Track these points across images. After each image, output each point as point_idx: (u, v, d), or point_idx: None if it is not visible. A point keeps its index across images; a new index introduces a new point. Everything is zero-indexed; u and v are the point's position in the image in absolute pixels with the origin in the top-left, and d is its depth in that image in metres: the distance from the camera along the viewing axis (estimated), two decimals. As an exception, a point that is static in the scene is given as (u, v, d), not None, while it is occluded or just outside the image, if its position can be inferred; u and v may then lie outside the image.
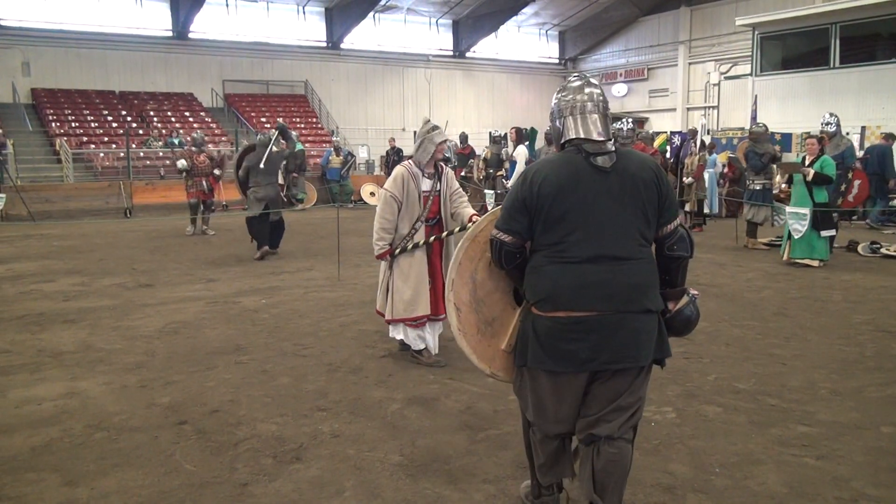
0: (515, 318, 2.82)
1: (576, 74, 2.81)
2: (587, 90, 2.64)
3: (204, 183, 11.91)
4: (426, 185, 4.80)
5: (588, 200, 2.53)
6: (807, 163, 8.56)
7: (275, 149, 10.00)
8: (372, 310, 6.44)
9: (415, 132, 21.29)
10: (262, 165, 9.63)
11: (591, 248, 2.52)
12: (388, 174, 20.33)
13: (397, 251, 4.78)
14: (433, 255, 4.87)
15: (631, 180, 2.55)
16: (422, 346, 4.93)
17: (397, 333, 4.95)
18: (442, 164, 4.93)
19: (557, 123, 2.68)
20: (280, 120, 11.28)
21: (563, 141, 2.66)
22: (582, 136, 2.58)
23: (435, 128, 4.80)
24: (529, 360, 2.63)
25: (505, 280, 2.86)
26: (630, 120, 9.18)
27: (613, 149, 2.58)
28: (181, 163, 12.40)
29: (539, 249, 2.63)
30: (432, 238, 4.81)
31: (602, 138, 2.58)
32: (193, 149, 12.24)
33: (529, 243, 2.67)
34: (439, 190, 4.86)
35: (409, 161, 4.86)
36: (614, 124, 7.87)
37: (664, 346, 2.64)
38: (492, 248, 2.73)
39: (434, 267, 4.87)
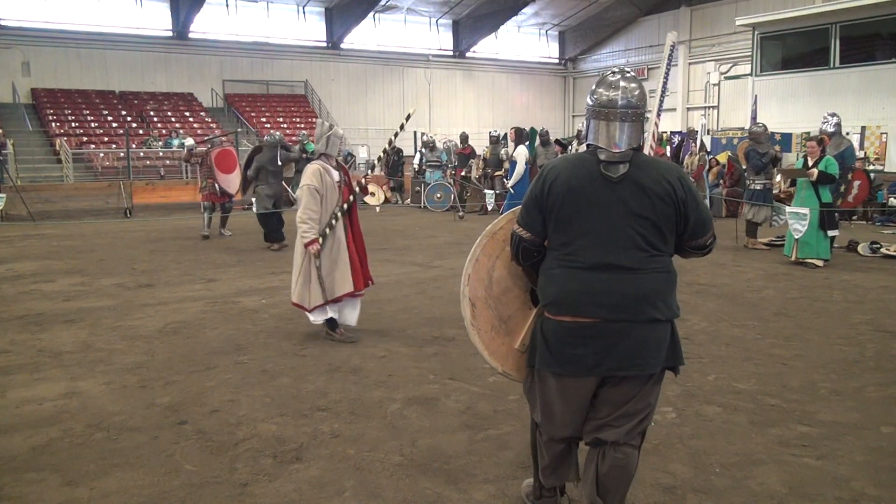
0: (531, 319, 2.81)
1: (616, 68, 2.68)
2: (622, 86, 2.55)
3: (216, 185, 11.48)
4: (336, 176, 5.36)
5: (598, 206, 2.50)
6: (809, 164, 8.59)
7: (291, 155, 10.82)
8: (372, 310, 6.46)
9: (415, 132, 21.33)
10: (271, 166, 10.27)
11: (598, 255, 2.49)
12: (389, 174, 20.46)
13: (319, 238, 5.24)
14: (349, 235, 5.42)
15: (643, 192, 2.48)
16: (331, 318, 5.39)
17: (322, 316, 5.36)
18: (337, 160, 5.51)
19: (586, 122, 2.66)
20: (277, 134, 11.51)
21: (586, 142, 2.63)
22: (600, 145, 2.54)
23: (332, 126, 5.46)
24: (538, 361, 2.64)
25: (522, 279, 2.85)
26: None
27: (628, 159, 2.51)
28: (189, 141, 12.36)
29: (552, 250, 2.63)
30: (346, 205, 5.36)
31: (619, 149, 2.51)
32: (210, 147, 11.85)
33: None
34: (346, 180, 5.44)
35: (318, 159, 5.38)
36: None
37: (677, 355, 2.60)
38: (511, 242, 2.74)
39: (350, 246, 5.39)
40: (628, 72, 2.64)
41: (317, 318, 5.38)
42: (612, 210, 2.49)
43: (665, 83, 3.92)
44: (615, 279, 2.48)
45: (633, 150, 2.53)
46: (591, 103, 2.61)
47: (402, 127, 6.01)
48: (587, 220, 2.50)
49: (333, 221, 5.27)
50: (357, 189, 5.58)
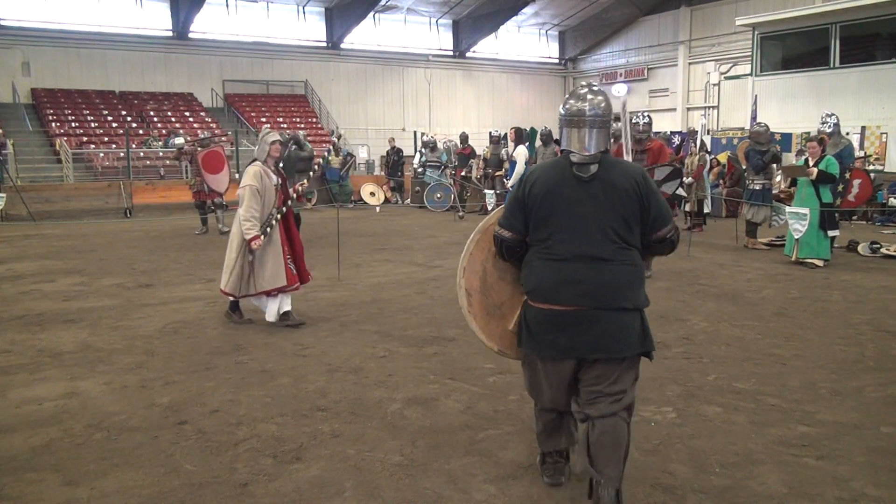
0: (523, 302, 3.05)
1: (584, 83, 3.03)
2: (589, 98, 2.88)
3: (204, 184, 11.67)
4: (274, 179, 5.81)
5: (572, 204, 2.81)
6: (810, 164, 8.59)
7: (302, 153, 10.71)
8: (372, 310, 6.47)
9: (415, 132, 21.32)
10: (281, 164, 10.17)
11: (573, 247, 2.80)
12: (389, 174, 20.41)
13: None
14: (282, 236, 5.81)
15: (612, 189, 2.79)
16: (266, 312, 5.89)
17: (259, 301, 5.91)
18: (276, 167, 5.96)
19: (559, 130, 2.97)
20: (289, 131, 11.61)
21: (562, 148, 2.94)
22: (573, 149, 2.87)
23: (268, 132, 5.95)
24: (523, 344, 2.99)
25: (513, 268, 3.13)
26: (646, 114, 9.05)
27: (596, 161, 2.83)
28: (179, 140, 12.35)
29: (533, 245, 2.93)
30: (283, 208, 5.82)
31: (589, 152, 2.83)
32: (199, 148, 11.96)
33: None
34: (282, 186, 5.88)
35: (256, 162, 5.81)
36: (632, 119, 8.17)
37: (647, 341, 2.86)
38: (494, 242, 3.08)
39: (284, 246, 5.82)
40: (595, 86, 2.99)
41: (256, 302, 5.95)
42: (584, 206, 2.80)
43: (627, 131, 4.62)
44: (589, 268, 2.77)
45: (601, 153, 2.85)
46: (563, 113, 2.93)
47: (334, 145, 7.19)
48: (563, 217, 2.82)
49: (273, 222, 5.73)
50: (294, 196, 6.07)
